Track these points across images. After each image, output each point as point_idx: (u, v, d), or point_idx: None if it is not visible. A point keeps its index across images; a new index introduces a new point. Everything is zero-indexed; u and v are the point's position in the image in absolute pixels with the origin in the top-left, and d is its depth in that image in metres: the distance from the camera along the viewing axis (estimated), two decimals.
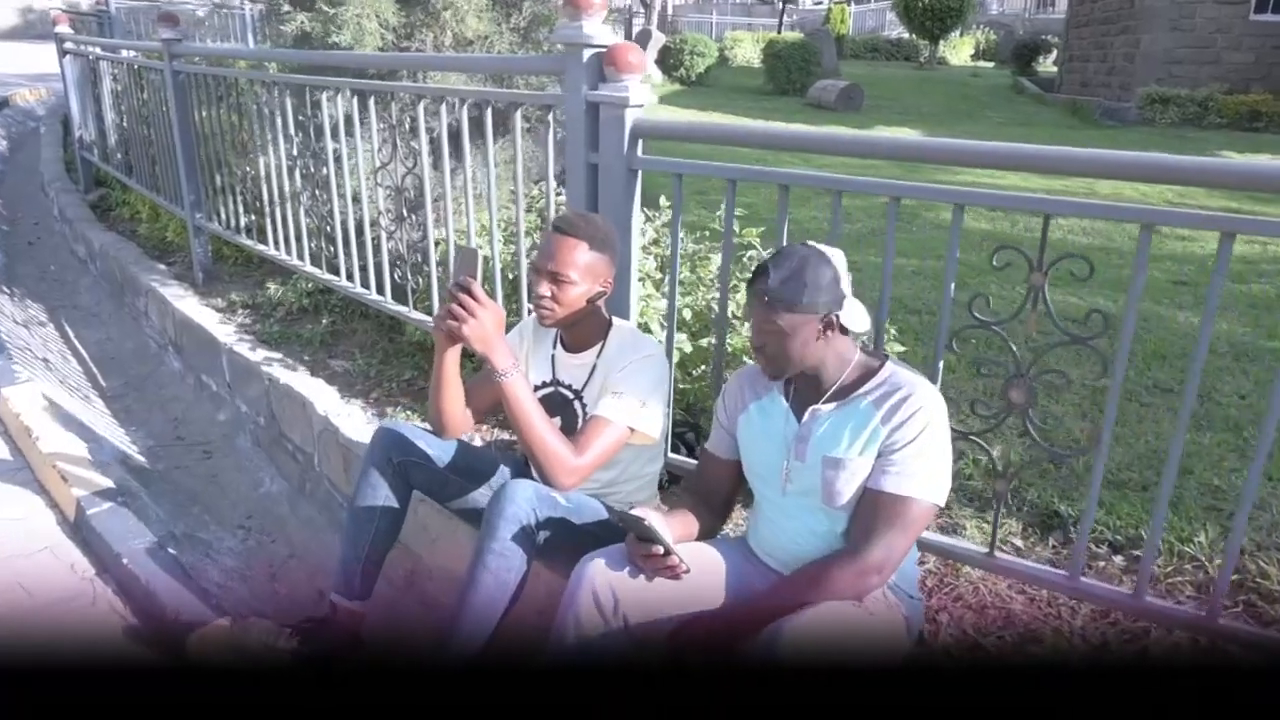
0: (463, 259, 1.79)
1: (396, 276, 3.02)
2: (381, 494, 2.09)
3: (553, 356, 2.11)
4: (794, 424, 1.79)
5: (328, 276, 3.47)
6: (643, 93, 2.00)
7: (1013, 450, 2.43)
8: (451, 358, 1.96)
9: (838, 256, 1.70)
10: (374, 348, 3.84)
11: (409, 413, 3.19)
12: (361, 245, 3.21)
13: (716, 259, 2.97)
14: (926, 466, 1.65)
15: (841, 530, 1.74)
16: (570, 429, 2.06)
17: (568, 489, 1.88)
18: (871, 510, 1.67)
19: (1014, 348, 1.77)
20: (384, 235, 3.02)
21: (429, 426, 2.14)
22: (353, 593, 2.15)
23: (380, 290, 3.17)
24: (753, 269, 1.76)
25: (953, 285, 1.82)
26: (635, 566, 1.69)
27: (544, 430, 1.85)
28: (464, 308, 1.76)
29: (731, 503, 2.01)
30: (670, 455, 2.31)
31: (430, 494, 2.15)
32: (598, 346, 2.04)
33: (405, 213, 2.88)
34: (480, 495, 2.12)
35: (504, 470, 2.18)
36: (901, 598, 1.76)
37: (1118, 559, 2.29)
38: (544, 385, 2.11)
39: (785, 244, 1.80)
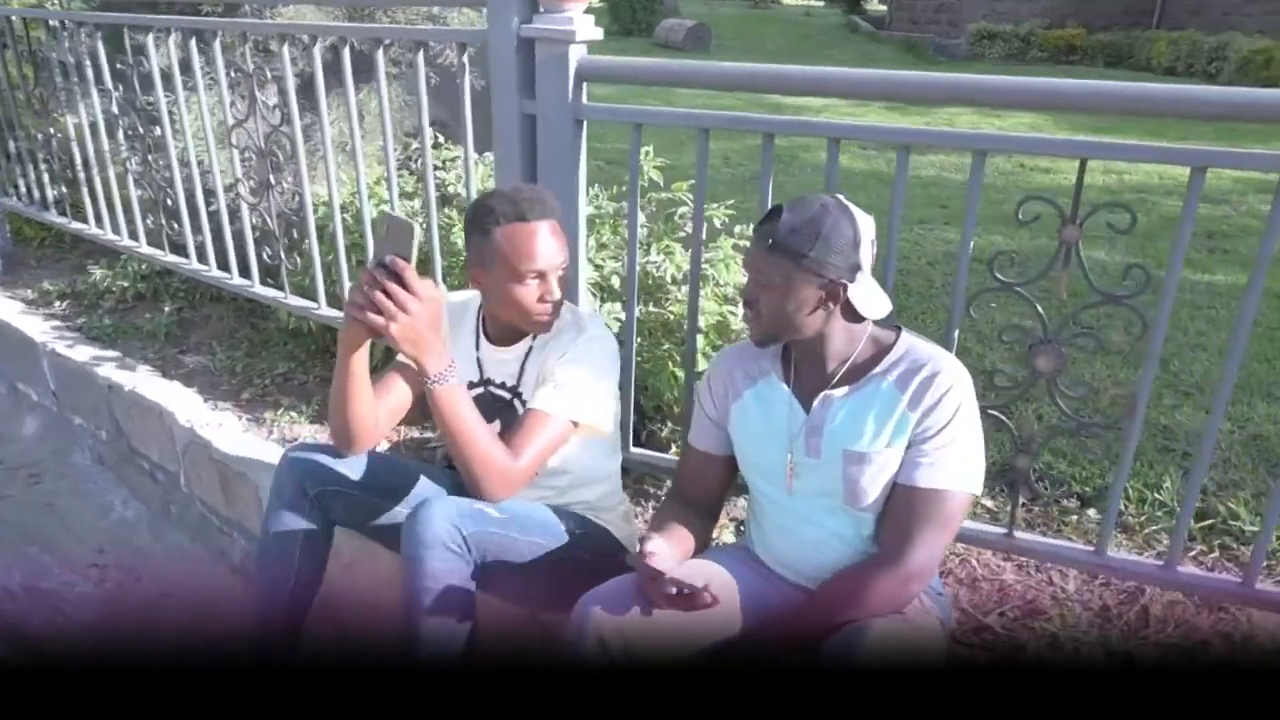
0: (390, 233, 1.40)
1: (266, 255, 2.53)
2: (299, 537, 1.69)
3: (478, 356, 1.76)
4: (800, 414, 1.54)
5: (171, 259, 2.91)
6: (588, 26, 1.65)
7: (1033, 423, 2.30)
8: (360, 357, 1.57)
9: (866, 223, 1.44)
10: (234, 337, 3.31)
11: (294, 414, 2.74)
12: (216, 220, 2.68)
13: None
14: (962, 453, 1.45)
15: (869, 533, 1.52)
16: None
17: (503, 500, 1.57)
18: (906, 508, 1.46)
19: (1040, 310, 1.59)
20: (245, 207, 2.52)
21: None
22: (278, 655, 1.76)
23: (245, 273, 2.66)
24: (767, 211, 1.49)
25: (971, 244, 1.61)
26: (645, 603, 1.41)
27: (483, 441, 1.52)
28: (391, 298, 1.38)
29: (722, 503, 1.75)
30: (633, 449, 2.02)
31: (352, 524, 1.77)
32: (530, 334, 1.71)
33: (272, 179, 2.40)
34: (401, 513, 1.77)
35: (425, 482, 1.82)
36: (932, 597, 1.57)
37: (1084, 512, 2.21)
38: (472, 387, 1.76)
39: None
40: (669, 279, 2.43)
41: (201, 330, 3.39)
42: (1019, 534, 1.70)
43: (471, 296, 1.80)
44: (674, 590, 1.33)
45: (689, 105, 5.61)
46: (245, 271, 2.65)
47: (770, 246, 1.42)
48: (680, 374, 2.30)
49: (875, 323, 1.55)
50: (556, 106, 1.70)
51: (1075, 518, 2.24)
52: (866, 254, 1.45)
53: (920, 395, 1.45)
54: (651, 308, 2.49)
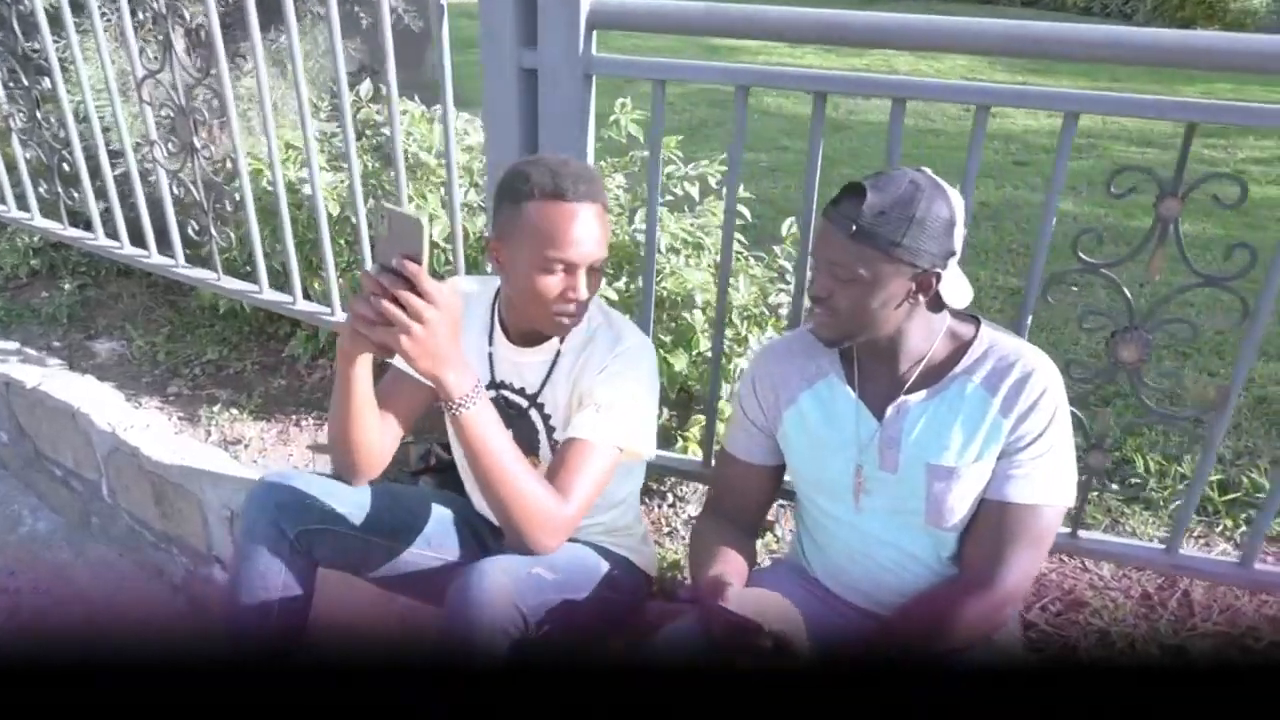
0: (393, 230, 1.12)
1: (191, 230, 2.17)
2: (275, 583, 1.41)
3: (490, 353, 1.49)
4: (870, 422, 1.34)
5: (72, 233, 2.49)
6: None
7: (1109, 417, 2.16)
8: (364, 372, 1.30)
9: (957, 198, 1.23)
10: (151, 319, 2.91)
11: (234, 411, 2.40)
12: (126, 187, 2.29)
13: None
14: (1058, 462, 1.28)
15: (949, 554, 1.35)
16: (529, 447, 1.49)
17: (553, 550, 1.32)
18: (996, 525, 1.29)
19: (1127, 294, 1.42)
20: (163, 174, 2.14)
21: (326, 468, 1.47)
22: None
23: (166, 249, 2.29)
24: (841, 188, 1.26)
25: (1053, 220, 1.42)
26: (711, 645, 1.21)
27: (524, 480, 1.26)
28: (404, 307, 1.11)
29: (764, 518, 1.55)
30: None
31: (346, 567, 1.49)
32: (557, 335, 1.45)
33: (196, 141, 2.04)
34: (417, 556, 1.51)
35: (441, 515, 1.57)
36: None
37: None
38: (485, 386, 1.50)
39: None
40: (663, 248, 2.19)
41: (110, 311, 2.98)
42: (1083, 533, 1.56)
43: (483, 286, 1.53)
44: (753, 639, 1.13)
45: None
46: (166, 248, 2.28)
47: (854, 234, 1.20)
48: (674, 361, 2.07)
49: (954, 314, 1.35)
50: (564, 59, 1.42)
51: (1133, 510, 2.11)
52: (959, 236, 1.24)
53: (1013, 399, 1.27)
54: (641, 284, 2.24)
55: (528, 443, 1.49)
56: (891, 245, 1.19)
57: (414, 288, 1.11)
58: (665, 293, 2.18)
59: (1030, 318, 1.50)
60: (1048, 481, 1.27)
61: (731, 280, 2.22)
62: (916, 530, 1.34)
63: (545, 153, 1.38)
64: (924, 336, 1.32)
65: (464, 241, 1.97)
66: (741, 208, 2.37)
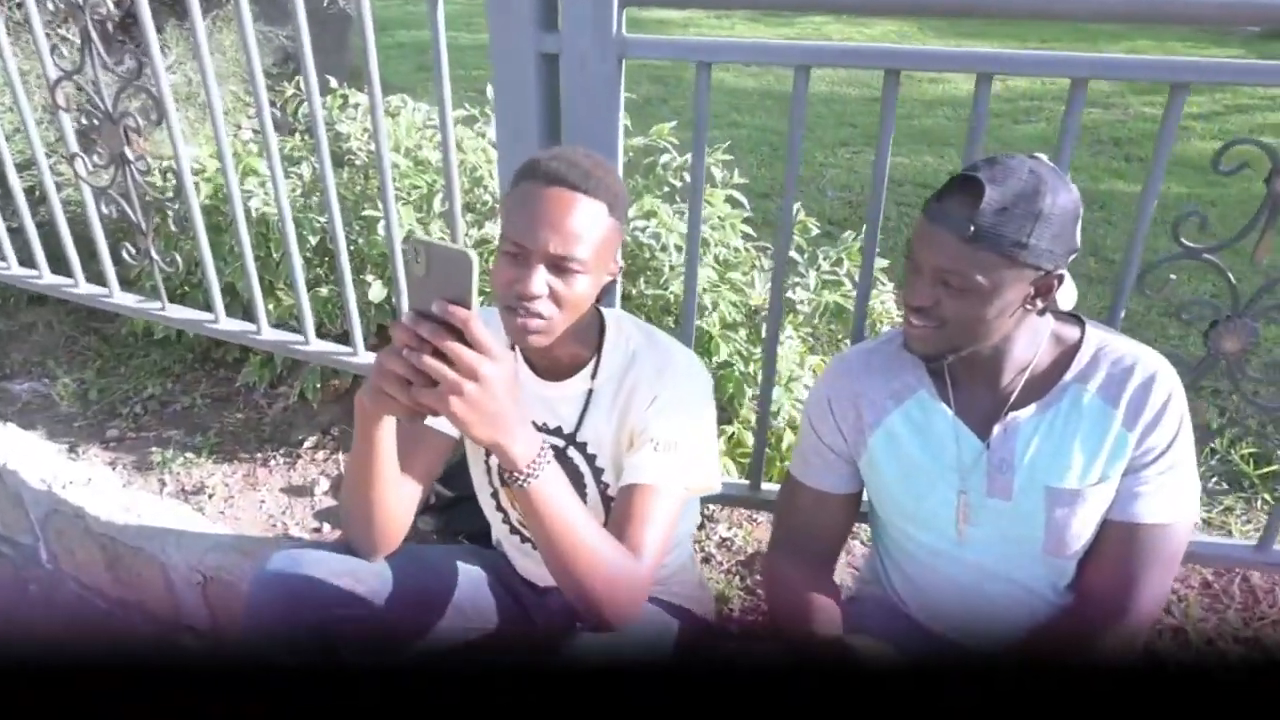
0: (433, 268, 0.89)
1: (127, 254, 1.88)
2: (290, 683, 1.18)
3: None
4: (973, 443, 1.19)
5: None
6: None
7: (1208, 410, 2.05)
8: (387, 435, 1.08)
9: (1072, 186, 1.08)
10: (74, 351, 2.58)
11: (189, 455, 2.12)
12: (41, 207, 1.98)
13: None
14: (1186, 474, 1.16)
15: (1066, 583, 1.21)
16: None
17: (635, 621, 1.13)
18: (1125, 549, 1.15)
19: (1231, 278, 1.29)
20: (89, 191, 1.84)
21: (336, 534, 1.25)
22: None
23: (96, 277, 1.99)
24: (948, 180, 1.10)
25: (1154, 202, 1.28)
26: None
27: (599, 547, 1.06)
28: (452, 363, 0.89)
29: (842, 549, 1.39)
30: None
31: (371, 654, 1.27)
32: (590, 363, 1.25)
33: (129, 151, 1.74)
34: (451, 630, 1.30)
35: (472, 577, 1.36)
36: None
37: None
38: None
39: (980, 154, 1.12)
40: (669, 247, 2.00)
41: (25, 344, 2.63)
42: None
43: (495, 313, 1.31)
44: None
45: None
46: (96, 275, 1.98)
47: (971, 236, 1.04)
48: None
49: (1055, 315, 1.20)
50: (593, 41, 1.21)
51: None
52: (1078, 229, 1.09)
53: (1137, 409, 1.13)
54: (644, 286, 2.05)
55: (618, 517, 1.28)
56: (1015, 247, 1.03)
57: (462, 338, 0.89)
58: (673, 296, 2.00)
59: (1122, 310, 1.36)
60: (1177, 497, 1.15)
61: (744, 276, 2.05)
62: (1032, 560, 1.20)
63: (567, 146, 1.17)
64: (1029, 343, 1.17)
65: None
66: (735, 193, 2.21)
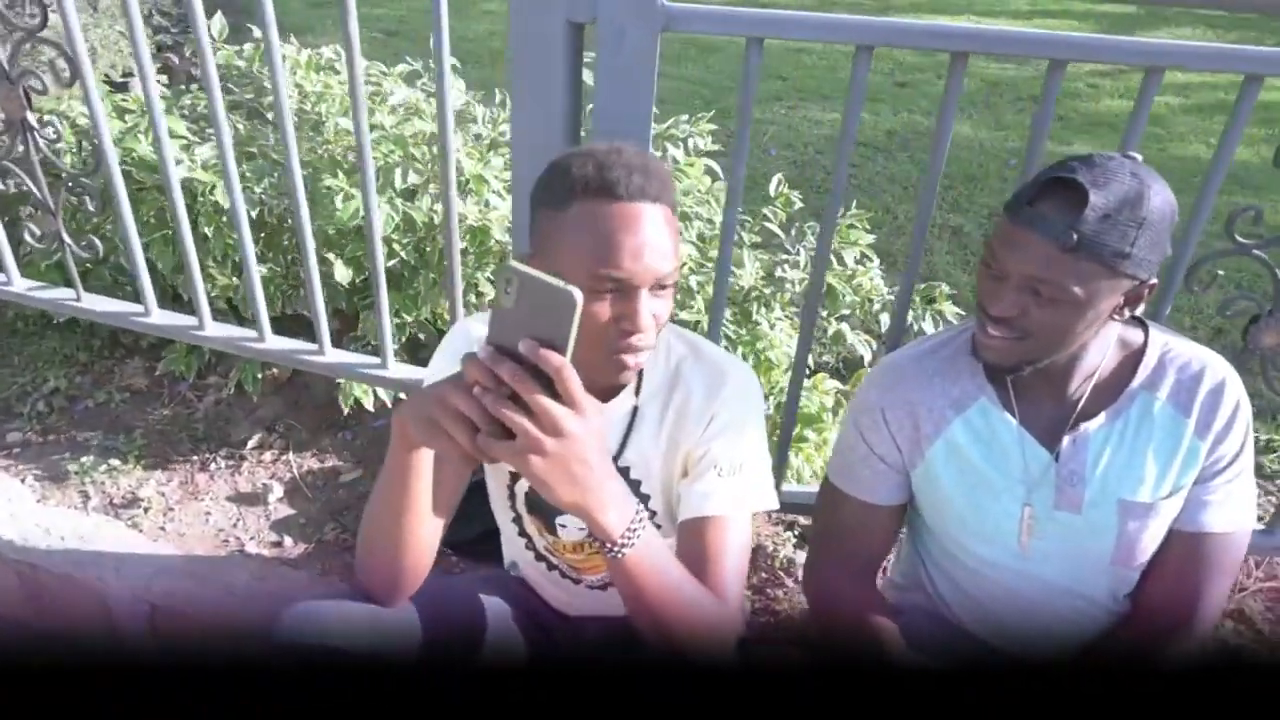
0: (528, 300, 0.72)
1: (31, 236, 1.60)
2: None
3: None
4: (1040, 454, 1.13)
5: None
6: None
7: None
8: (425, 464, 0.93)
9: (1167, 187, 1.01)
10: None
11: (114, 462, 1.87)
12: None
13: None
14: (1249, 480, 1.14)
15: (1126, 592, 1.19)
16: None
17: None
18: (1191, 558, 1.13)
19: (1279, 275, 1.27)
20: None
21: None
22: None
23: None
24: (1033, 179, 1.02)
25: (1214, 195, 1.23)
26: None
27: (693, 600, 0.95)
28: (536, 416, 0.75)
29: (883, 562, 1.32)
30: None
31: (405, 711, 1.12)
32: (634, 380, 1.12)
33: (31, 117, 1.46)
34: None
35: (498, 612, 1.22)
36: None
37: None
38: None
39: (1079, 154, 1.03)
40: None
41: None
42: None
43: None
44: None
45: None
46: None
47: (1074, 246, 0.96)
48: None
49: (1115, 318, 1.15)
50: (635, 10, 1.05)
51: None
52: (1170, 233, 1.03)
53: (1209, 418, 1.10)
54: None
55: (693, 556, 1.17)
56: (1117, 257, 0.96)
57: (550, 386, 0.74)
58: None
59: (1169, 308, 1.32)
60: (1242, 504, 1.13)
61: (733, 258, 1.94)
62: (1096, 572, 1.16)
63: (595, 142, 1.01)
64: (1099, 350, 1.11)
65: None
66: (711, 163, 2.09)
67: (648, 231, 0.93)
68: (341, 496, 1.81)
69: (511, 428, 0.74)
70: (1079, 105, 4.43)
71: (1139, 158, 1.01)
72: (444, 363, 1.14)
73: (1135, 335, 1.15)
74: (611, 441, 1.12)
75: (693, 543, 1.05)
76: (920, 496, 1.23)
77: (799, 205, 2.02)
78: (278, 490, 1.81)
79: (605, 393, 1.10)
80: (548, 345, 0.73)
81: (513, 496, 1.20)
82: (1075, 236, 0.95)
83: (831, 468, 1.27)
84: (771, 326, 1.90)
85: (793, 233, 1.97)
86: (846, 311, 1.97)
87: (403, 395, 1.68)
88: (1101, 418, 1.12)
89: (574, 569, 1.23)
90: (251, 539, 1.71)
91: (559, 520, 1.17)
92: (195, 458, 1.90)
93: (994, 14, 6.47)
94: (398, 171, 1.73)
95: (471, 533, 1.34)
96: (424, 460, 0.91)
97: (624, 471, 1.14)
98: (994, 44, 1.12)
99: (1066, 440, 1.12)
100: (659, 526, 1.15)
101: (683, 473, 1.11)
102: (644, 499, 1.15)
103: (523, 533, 1.23)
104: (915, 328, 1.87)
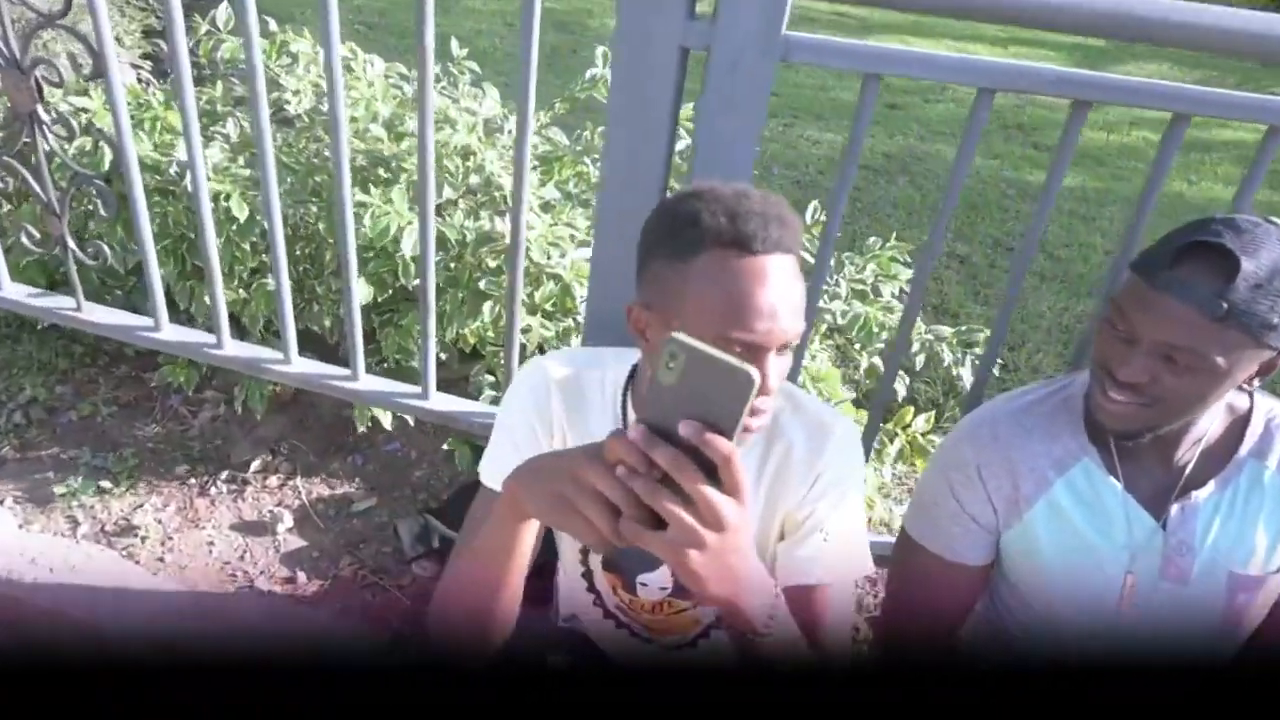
0: (696, 377, 0.63)
1: (28, 239, 1.45)
2: None
3: None
4: (1145, 521, 1.09)
5: None
6: None
7: None
8: (533, 532, 0.84)
9: None
10: None
11: (105, 484, 1.72)
12: None
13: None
14: None
15: (1224, 662, 1.15)
16: None
17: None
18: None
19: None
20: None
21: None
22: None
23: None
24: (1171, 241, 0.97)
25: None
26: None
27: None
28: (696, 509, 0.65)
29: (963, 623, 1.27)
30: None
31: None
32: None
33: (42, 110, 1.32)
34: None
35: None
36: None
37: None
38: None
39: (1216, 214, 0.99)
40: None
41: None
42: None
43: (597, 365, 1.07)
44: None
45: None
46: None
47: (1224, 316, 0.91)
48: None
49: None
50: (756, 37, 0.98)
51: None
52: None
53: None
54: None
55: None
56: (1265, 329, 0.92)
57: (713, 473, 0.66)
58: None
59: None
60: None
61: None
62: (1197, 640, 1.12)
63: (700, 179, 0.93)
64: (1209, 415, 1.07)
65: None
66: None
67: (781, 289, 0.85)
68: (356, 527, 1.70)
69: (668, 519, 0.65)
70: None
71: (1277, 221, 0.97)
72: (521, 405, 1.05)
73: (1241, 400, 1.11)
74: None
75: (796, 612, 0.98)
76: (1011, 559, 1.18)
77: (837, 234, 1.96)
78: (287, 519, 1.68)
79: None
80: (713, 427, 0.64)
81: (586, 551, 1.11)
82: (1225, 306, 0.91)
83: (913, 523, 1.21)
84: (813, 358, 1.84)
85: (831, 263, 1.91)
86: (880, 346, 1.92)
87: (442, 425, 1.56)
88: (1211, 486, 1.07)
89: (648, 630, 1.15)
90: (261, 573, 1.59)
91: (641, 578, 1.09)
92: (193, 481, 1.76)
93: (970, 39, 6.55)
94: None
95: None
96: (533, 530, 0.83)
97: None
98: (1116, 94, 1.07)
99: (1175, 508, 1.08)
100: None
101: (780, 534, 1.04)
102: None
103: (592, 588, 1.15)
104: (955, 373, 1.83)
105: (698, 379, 0.63)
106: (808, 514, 1.01)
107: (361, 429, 1.69)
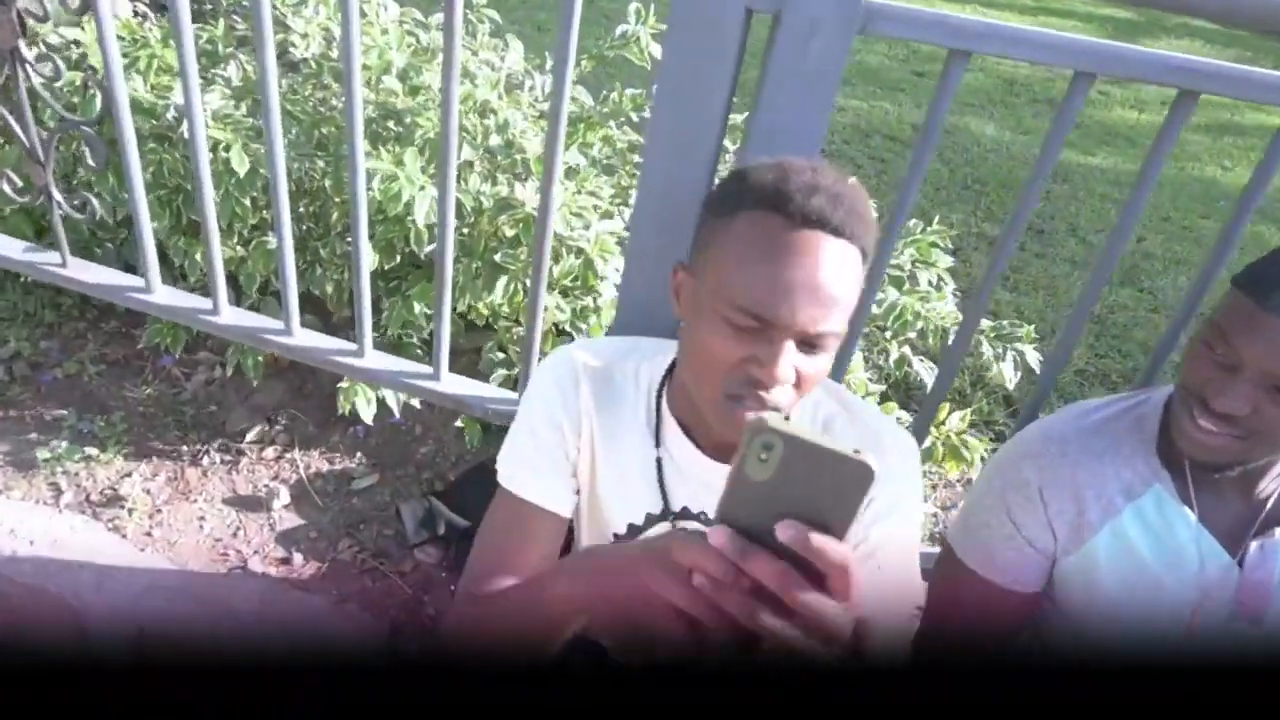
0: (799, 471, 0.52)
1: (9, 188, 1.34)
2: None
3: (659, 462, 0.96)
4: (1219, 556, 1.00)
5: None
6: None
7: None
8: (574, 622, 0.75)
9: None
10: None
11: (93, 450, 1.62)
12: None
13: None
14: None
15: None
16: None
17: None
18: None
19: None
20: None
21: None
22: None
23: None
24: None
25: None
26: None
27: None
28: (805, 618, 0.54)
29: None
30: None
31: None
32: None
33: (25, 47, 1.19)
34: None
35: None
36: None
37: None
38: (650, 520, 0.97)
39: None
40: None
41: None
42: None
43: (635, 355, 0.97)
44: None
45: None
46: None
47: None
48: None
49: None
50: (832, 4, 0.86)
51: None
52: None
53: None
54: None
55: None
56: None
57: (820, 580, 0.55)
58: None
59: None
60: None
61: None
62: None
63: (786, 156, 0.81)
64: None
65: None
66: None
67: (813, 270, 0.73)
68: (356, 506, 1.61)
69: (768, 636, 0.55)
70: (1093, 114, 4.34)
71: None
72: (546, 399, 0.95)
73: None
74: None
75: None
76: (1067, 586, 1.09)
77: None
78: (283, 495, 1.59)
79: (729, 449, 0.92)
80: (818, 526, 0.53)
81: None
82: None
83: (960, 542, 1.12)
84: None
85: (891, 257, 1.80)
86: (912, 335, 1.82)
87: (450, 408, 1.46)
88: None
89: None
90: (255, 553, 1.50)
91: None
92: (184, 448, 1.67)
93: (998, 7, 6.34)
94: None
95: None
96: (575, 627, 0.74)
97: None
98: (1226, 86, 0.95)
99: (1254, 546, 0.99)
100: None
101: None
102: None
103: None
104: (995, 369, 1.73)
105: (799, 472, 0.52)
106: (859, 539, 0.92)
107: (345, 411, 1.58)
